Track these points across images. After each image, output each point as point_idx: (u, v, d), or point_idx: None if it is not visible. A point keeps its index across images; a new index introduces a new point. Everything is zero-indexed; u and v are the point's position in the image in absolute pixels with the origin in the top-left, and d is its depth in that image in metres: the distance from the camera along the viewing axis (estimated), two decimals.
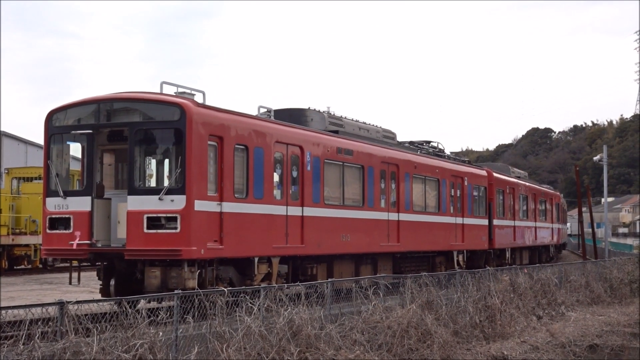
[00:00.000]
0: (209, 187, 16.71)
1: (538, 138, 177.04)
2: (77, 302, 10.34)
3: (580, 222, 54.16)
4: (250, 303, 12.60)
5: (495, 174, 34.79)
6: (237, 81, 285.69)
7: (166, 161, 17.41)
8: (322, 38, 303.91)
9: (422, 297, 16.03)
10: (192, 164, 16.20)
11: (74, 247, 16.73)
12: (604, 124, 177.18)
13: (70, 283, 27.00)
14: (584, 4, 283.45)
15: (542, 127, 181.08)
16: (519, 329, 18.21)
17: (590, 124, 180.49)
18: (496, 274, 20.42)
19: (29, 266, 35.59)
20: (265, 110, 20.89)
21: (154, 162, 17.65)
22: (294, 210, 19.58)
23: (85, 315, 10.48)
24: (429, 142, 31.14)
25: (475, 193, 31.60)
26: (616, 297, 25.69)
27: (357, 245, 22.41)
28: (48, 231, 17.32)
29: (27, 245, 34.89)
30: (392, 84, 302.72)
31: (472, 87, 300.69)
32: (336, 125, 23.03)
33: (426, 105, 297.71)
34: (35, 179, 36.93)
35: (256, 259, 18.08)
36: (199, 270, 16.46)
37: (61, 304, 10.05)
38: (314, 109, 22.92)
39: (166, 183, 16.75)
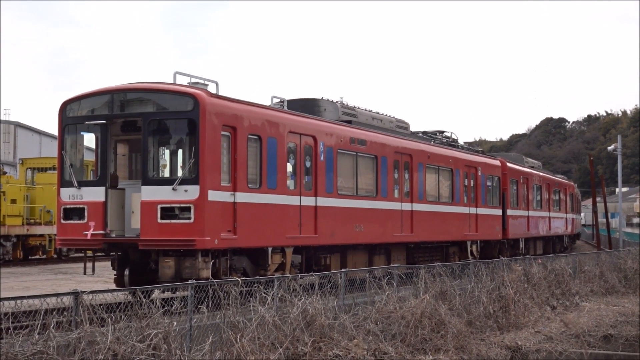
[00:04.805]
0: (222, 178, 16.73)
1: (552, 128, 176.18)
2: (92, 292, 10.36)
3: (595, 212, 53.87)
4: (264, 293, 12.61)
5: (508, 164, 34.68)
6: (250, 71, 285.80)
7: (180, 151, 17.45)
8: (336, 28, 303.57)
9: (436, 288, 16.00)
10: (205, 154, 16.21)
11: (88, 237, 16.81)
12: (618, 114, 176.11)
13: (84, 273, 27.33)
14: None
15: (556, 117, 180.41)
16: (532, 319, 18.15)
17: (605, 114, 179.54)
18: (510, 264, 20.34)
19: (44, 256, 35.84)
20: (279, 100, 20.88)
21: (167, 152, 17.70)
22: (308, 201, 19.58)
23: (100, 305, 10.50)
24: (442, 132, 31.07)
25: (488, 183, 31.51)
26: (630, 288, 25.54)
27: (370, 236, 22.40)
28: (62, 221, 17.41)
29: (41, 236, 35.13)
30: (406, 74, 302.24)
31: (486, 77, 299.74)
32: (349, 115, 22.99)
33: (440, 95, 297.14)
34: (50, 169, 37.10)
35: (270, 249, 18.10)
36: (212, 260, 16.51)
37: (76, 294, 10.08)
38: (327, 99, 22.89)
39: (180, 173, 16.79)
